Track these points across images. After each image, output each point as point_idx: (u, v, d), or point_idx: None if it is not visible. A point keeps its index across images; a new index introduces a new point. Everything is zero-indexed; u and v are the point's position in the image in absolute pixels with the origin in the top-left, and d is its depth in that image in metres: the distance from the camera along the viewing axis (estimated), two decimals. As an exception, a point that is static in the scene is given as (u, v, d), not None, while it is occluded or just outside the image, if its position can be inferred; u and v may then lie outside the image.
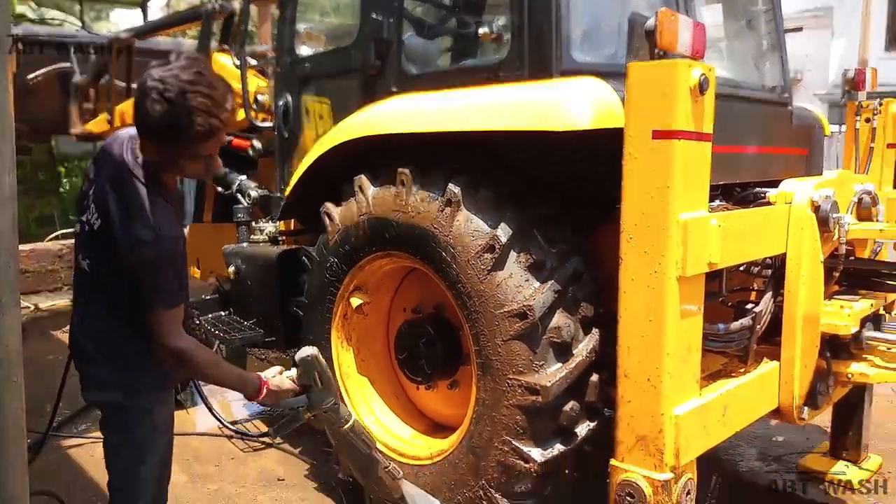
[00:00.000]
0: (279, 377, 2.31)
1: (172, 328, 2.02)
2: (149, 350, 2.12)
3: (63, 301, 7.79)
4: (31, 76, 7.28)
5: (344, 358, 3.31)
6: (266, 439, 4.37)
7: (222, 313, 4.20)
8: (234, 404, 5.16)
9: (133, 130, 2.06)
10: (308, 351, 2.34)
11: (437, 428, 3.31)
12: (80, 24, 10.23)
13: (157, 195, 2.00)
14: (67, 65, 7.29)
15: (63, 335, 6.54)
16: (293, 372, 2.34)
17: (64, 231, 9.45)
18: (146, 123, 1.92)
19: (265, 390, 2.23)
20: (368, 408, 3.31)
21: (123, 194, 1.97)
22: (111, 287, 2.08)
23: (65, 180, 11.93)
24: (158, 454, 2.25)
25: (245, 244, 4.08)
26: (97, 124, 6.67)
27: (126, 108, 4.88)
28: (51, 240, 8.95)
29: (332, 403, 2.38)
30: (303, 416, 2.35)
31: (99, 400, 2.21)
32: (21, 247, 8.50)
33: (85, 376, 2.21)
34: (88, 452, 4.09)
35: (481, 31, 2.81)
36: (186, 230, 6.01)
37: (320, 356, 2.34)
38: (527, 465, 2.54)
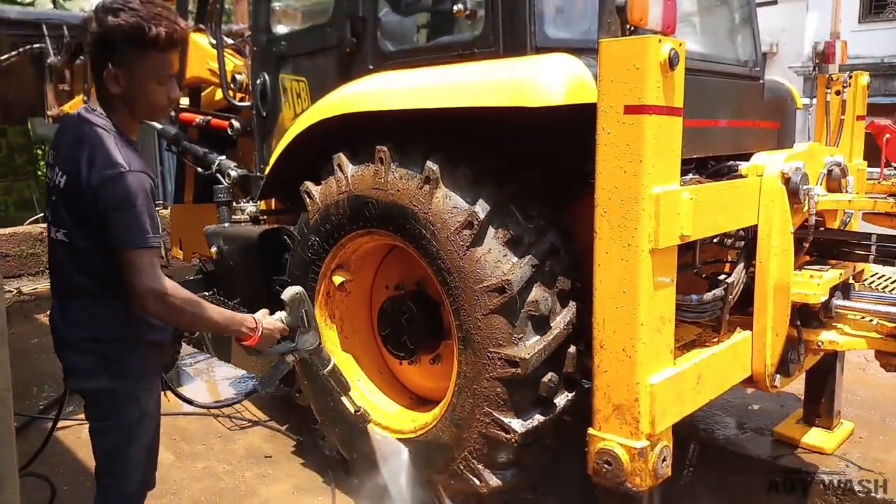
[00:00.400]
0: (270, 319, 2.25)
1: (151, 269, 1.93)
2: (134, 332, 2.10)
3: (45, 285, 7.76)
4: (3, 57, 7.17)
5: (328, 335, 3.35)
6: (253, 417, 4.42)
7: (206, 293, 4.21)
8: (220, 384, 5.20)
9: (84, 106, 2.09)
10: (296, 289, 2.31)
11: (421, 402, 3.37)
12: (51, 3, 10.05)
13: (120, 140, 2.00)
14: (41, 45, 7.19)
15: (47, 318, 6.51)
16: (282, 314, 2.29)
17: (44, 214, 9.37)
18: (113, 35, 1.94)
19: (261, 331, 2.17)
20: (352, 383, 3.34)
21: (86, 144, 1.96)
22: (88, 255, 2.03)
23: (42, 163, 11.81)
24: (145, 439, 2.24)
25: (226, 224, 4.09)
26: (73, 106, 6.60)
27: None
28: (30, 223, 8.87)
29: (317, 344, 2.37)
30: (288, 361, 2.31)
31: (84, 388, 2.16)
32: (0, 230, 8.45)
33: (68, 364, 2.17)
34: (76, 434, 4.12)
35: (456, 7, 2.81)
36: (167, 211, 6.01)
37: (306, 294, 2.32)
38: (508, 436, 2.59)
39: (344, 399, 2.69)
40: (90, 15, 2.08)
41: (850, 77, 3.48)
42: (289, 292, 2.30)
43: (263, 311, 2.27)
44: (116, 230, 1.92)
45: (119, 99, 2.03)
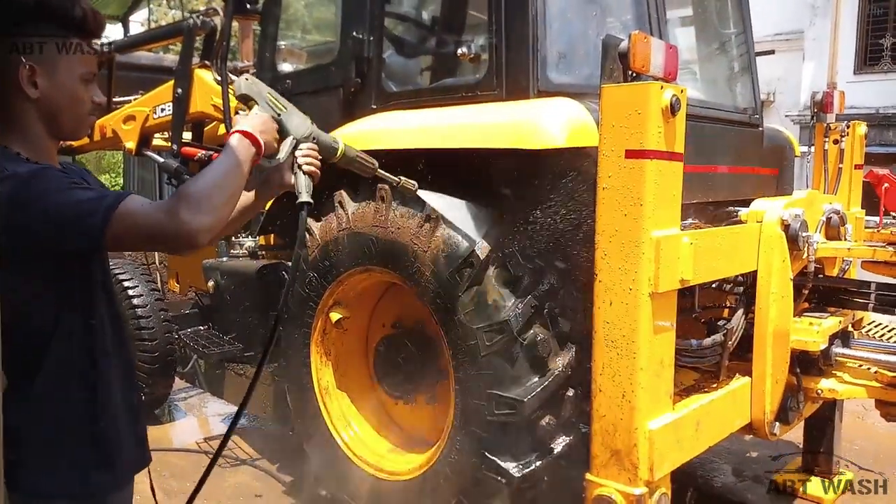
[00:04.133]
0: (249, 117, 1.81)
1: (144, 207, 1.45)
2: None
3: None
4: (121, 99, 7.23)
5: (323, 373, 3.32)
6: (244, 455, 4.34)
7: (201, 328, 4.19)
8: (211, 420, 5.13)
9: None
10: (244, 76, 1.96)
11: (416, 442, 3.32)
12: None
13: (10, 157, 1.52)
14: None
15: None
16: (254, 109, 1.89)
17: None
18: (31, 18, 1.51)
19: (259, 139, 1.72)
20: (347, 423, 3.31)
21: None
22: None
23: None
24: None
25: (224, 258, 4.09)
26: (76, 138, 6.64)
27: (106, 121, 4.87)
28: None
29: (312, 125, 1.98)
30: (302, 166, 1.87)
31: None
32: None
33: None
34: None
35: (460, 50, 2.86)
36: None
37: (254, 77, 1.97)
38: (503, 480, 2.55)
39: (380, 173, 2.27)
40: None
41: (848, 126, 3.52)
42: (241, 81, 1.92)
43: (235, 119, 1.82)
44: (77, 223, 1.40)
45: (32, 111, 1.55)
